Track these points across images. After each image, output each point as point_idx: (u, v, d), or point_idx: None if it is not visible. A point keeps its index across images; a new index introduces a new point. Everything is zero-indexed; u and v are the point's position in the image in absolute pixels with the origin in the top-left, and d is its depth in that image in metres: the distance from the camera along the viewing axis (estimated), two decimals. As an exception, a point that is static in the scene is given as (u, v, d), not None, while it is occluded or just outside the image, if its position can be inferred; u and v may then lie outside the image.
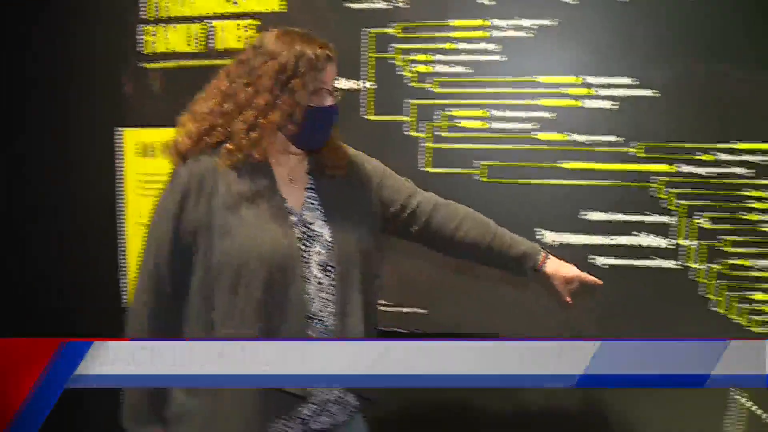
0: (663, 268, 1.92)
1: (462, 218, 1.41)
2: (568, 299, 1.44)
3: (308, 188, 1.30)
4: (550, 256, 1.44)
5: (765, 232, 1.89)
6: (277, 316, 1.16)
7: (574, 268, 1.44)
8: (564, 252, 1.70)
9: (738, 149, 1.87)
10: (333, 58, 1.23)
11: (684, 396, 1.96)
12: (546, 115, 1.90)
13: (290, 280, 1.17)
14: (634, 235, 1.93)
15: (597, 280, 1.45)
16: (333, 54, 1.23)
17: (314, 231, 1.25)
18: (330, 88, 1.23)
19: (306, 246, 1.22)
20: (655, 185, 1.89)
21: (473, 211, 1.44)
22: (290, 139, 1.23)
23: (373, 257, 1.30)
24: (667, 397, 2.00)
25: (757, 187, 1.88)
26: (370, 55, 2.03)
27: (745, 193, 1.89)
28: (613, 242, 1.93)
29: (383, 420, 1.63)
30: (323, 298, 1.23)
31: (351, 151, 1.35)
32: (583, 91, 1.88)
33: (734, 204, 1.89)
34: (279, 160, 1.26)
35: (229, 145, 1.20)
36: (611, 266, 1.94)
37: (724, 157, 1.88)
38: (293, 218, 1.23)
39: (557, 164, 1.90)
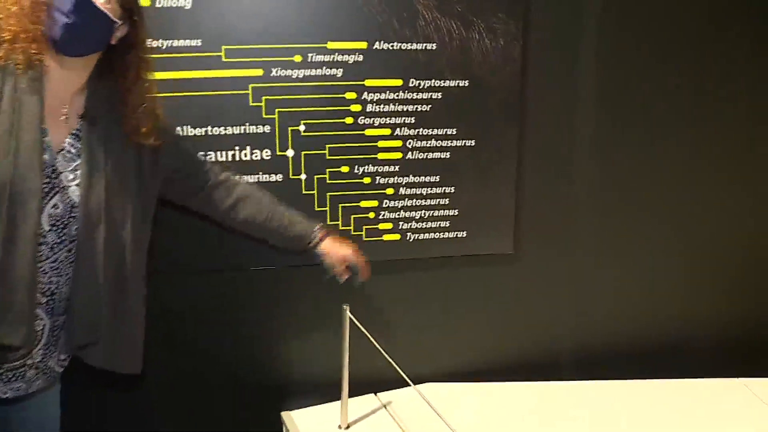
0: (275, 182, 1.85)
1: (240, 196, 1.49)
2: (341, 276, 1.66)
3: (73, 134, 1.18)
4: (329, 236, 1.59)
5: (363, 135, 1.82)
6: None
7: (347, 249, 1.62)
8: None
9: (329, 49, 1.75)
10: None
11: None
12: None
13: (20, 221, 1.06)
14: (236, 150, 1.76)
15: (361, 263, 1.65)
16: None
17: (59, 182, 1.14)
18: None
19: (44, 193, 1.10)
20: (246, 92, 1.72)
21: (255, 190, 1.54)
22: (53, 44, 1.08)
23: (126, 229, 1.23)
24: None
25: (351, 89, 1.78)
26: None
27: (341, 96, 1.79)
28: (213, 159, 1.77)
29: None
30: (47, 257, 1.14)
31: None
32: (153, -11, 1.66)
33: (330, 108, 1.78)
34: (56, 90, 1.13)
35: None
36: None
37: (317, 58, 1.75)
38: (46, 157, 1.11)
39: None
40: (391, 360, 1.48)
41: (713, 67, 2.06)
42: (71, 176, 1.20)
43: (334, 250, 1.60)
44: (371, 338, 1.54)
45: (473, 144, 1.92)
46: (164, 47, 1.71)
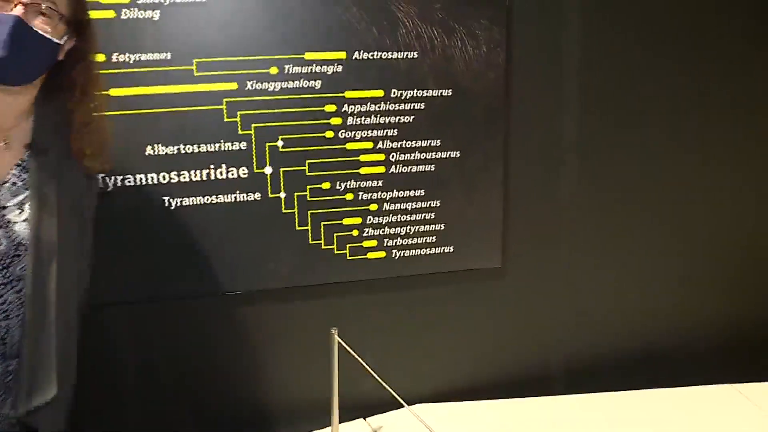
0: (253, 201, 1.76)
1: None
2: None
3: (19, 165, 1.08)
4: None
5: (345, 149, 1.74)
6: None
7: None
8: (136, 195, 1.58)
9: (307, 60, 1.68)
10: None
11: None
12: (76, 31, 1.55)
13: None
14: (211, 168, 1.69)
15: None
16: None
17: (2, 216, 1.05)
18: None
19: None
20: (220, 107, 1.62)
21: None
22: None
23: (76, 265, 1.14)
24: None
25: (330, 102, 1.70)
26: None
27: (320, 109, 1.73)
28: (187, 179, 1.71)
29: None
30: None
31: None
32: (119, -1, 1.56)
33: (309, 122, 1.73)
34: None
35: None
36: (190, 206, 1.71)
37: (294, 69, 1.68)
38: None
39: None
40: (384, 383, 1.42)
41: (709, 62, 2.06)
42: (17, 211, 1.09)
43: None
44: (363, 363, 1.48)
45: (458, 155, 1.87)
46: (132, 61, 1.62)
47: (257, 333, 1.83)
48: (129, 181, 1.66)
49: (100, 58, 1.57)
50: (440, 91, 1.84)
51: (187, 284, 1.76)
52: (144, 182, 1.68)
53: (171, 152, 1.69)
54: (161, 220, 1.69)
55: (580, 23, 1.92)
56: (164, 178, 1.69)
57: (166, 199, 1.68)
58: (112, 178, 1.64)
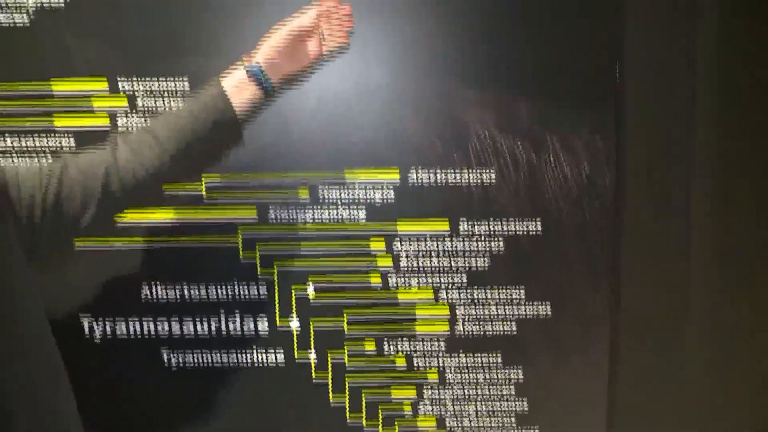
0: (271, 364, 1.45)
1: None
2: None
3: None
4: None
5: (396, 299, 1.38)
6: None
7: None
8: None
9: (347, 180, 1.37)
10: None
11: None
12: None
13: None
14: (221, 316, 1.35)
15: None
16: None
17: None
18: None
19: None
20: (233, 238, 1.27)
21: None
22: None
23: None
24: None
25: (377, 235, 1.36)
26: None
27: (364, 244, 1.40)
28: (191, 330, 1.41)
29: None
30: None
31: None
32: None
33: (349, 261, 1.43)
34: None
35: None
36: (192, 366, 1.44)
37: (330, 193, 1.45)
38: None
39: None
40: None
41: None
42: None
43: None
44: None
45: (548, 311, 1.41)
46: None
47: None
48: (121, 331, 1.39)
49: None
50: (525, 223, 1.44)
51: None
52: (139, 332, 1.40)
53: (171, 296, 1.41)
54: (155, 383, 1.40)
55: (715, 132, 1.41)
56: (163, 328, 1.40)
57: (164, 354, 1.41)
58: (101, 323, 1.38)
